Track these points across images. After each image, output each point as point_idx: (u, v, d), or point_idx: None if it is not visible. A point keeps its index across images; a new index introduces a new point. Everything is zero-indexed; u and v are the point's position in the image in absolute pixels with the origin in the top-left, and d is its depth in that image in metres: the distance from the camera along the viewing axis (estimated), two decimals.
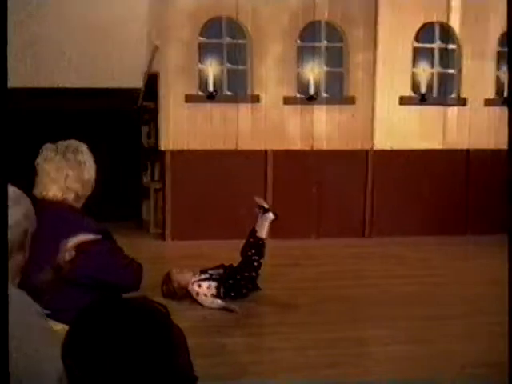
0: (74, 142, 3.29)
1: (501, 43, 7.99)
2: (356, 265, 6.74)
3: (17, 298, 2.08)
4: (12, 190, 2.24)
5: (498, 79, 8.11)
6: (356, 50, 7.80)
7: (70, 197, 3.19)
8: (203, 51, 7.64)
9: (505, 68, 7.98)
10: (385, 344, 4.66)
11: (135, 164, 8.18)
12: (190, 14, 7.51)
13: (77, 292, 2.99)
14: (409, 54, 7.88)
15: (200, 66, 7.62)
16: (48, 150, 3.25)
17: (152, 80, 7.69)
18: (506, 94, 7.94)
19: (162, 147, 7.65)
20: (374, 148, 7.90)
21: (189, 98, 7.57)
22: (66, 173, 3.19)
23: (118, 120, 7.89)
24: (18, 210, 2.20)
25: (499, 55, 8.04)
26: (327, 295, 5.69)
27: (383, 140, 7.89)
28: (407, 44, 7.86)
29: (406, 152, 7.92)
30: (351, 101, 7.84)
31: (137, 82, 7.96)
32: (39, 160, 3.24)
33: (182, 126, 7.61)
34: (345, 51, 7.82)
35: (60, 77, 7.87)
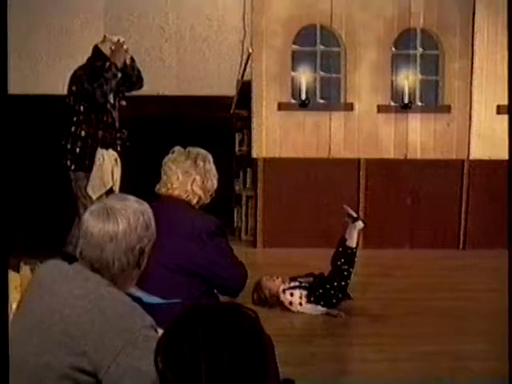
0: (203, 151, 3.46)
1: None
2: (450, 277, 6.56)
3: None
4: (148, 216, 2.26)
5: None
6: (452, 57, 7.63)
7: (194, 200, 3.33)
8: (296, 59, 7.62)
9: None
10: (481, 359, 4.52)
11: (228, 171, 8.23)
12: (283, 22, 7.51)
13: (186, 283, 3.09)
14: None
15: (293, 73, 7.61)
16: (179, 153, 3.42)
17: (245, 87, 7.73)
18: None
19: (254, 155, 7.67)
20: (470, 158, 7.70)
21: (281, 106, 7.57)
22: (194, 177, 3.31)
23: (213, 127, 7.97)
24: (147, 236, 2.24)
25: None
26: (420, 307, 5.56)
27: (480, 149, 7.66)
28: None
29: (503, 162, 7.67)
30: (446, 110, 7.67)
31: (232, 89, 8.01)
32: (169, 161, 3.40)
33: (275, 134, 7.61)
34: (440, 59, 7.67)
35: (160, 84, 8.00)
